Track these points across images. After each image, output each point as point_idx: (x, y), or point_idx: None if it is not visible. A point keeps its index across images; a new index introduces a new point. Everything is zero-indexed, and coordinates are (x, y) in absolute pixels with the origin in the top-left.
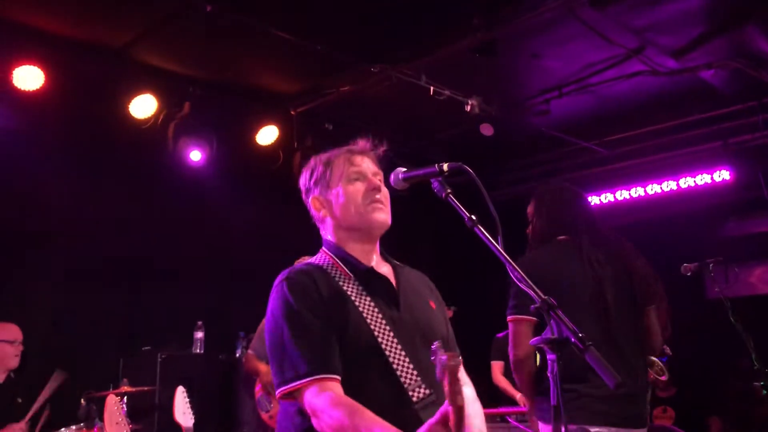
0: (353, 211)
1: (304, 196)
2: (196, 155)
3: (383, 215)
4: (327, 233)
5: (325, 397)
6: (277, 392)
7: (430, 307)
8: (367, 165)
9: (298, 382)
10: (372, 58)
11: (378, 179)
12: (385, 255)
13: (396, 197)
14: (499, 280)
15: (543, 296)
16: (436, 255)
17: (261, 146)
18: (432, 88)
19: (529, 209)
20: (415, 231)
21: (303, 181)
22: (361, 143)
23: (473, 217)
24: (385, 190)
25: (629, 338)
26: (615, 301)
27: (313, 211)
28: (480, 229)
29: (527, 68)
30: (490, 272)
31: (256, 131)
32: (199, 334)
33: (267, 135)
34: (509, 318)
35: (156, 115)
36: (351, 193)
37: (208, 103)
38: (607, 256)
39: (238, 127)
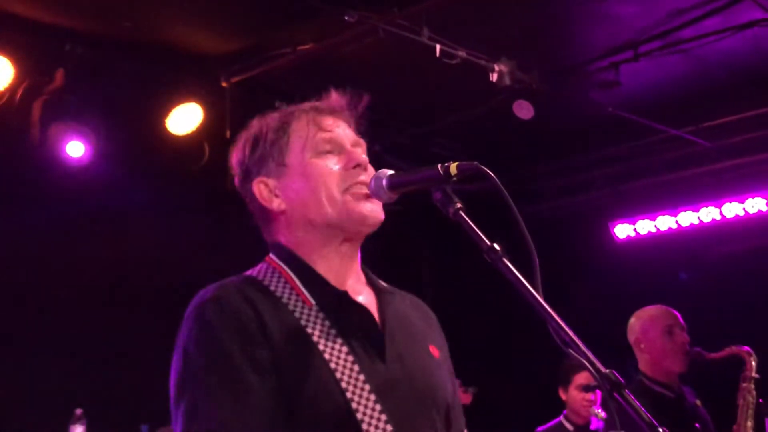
0: (325, 200)
1: (240, 181)
2: (76, 149)
3: (371, 206)
4: (278, 234)
5: None
6: None
7: (431, 355)
8: (343, 130)
9: None
10: (347, 0)
11: (361, 152)
12: (368, 273)
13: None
14: (534, 343)
15: (604, 370)
16: (438, 300)
17: (175, 136)
18: (438, 47)
19: None
20: (404, 263)
21: (239, 157)
22: (334, 97)
23: (496, 245)
24: (371, 169)
25: None
26: None
27: (257, 204)
28: (506, 265)
29: (586, 16)
30: (521, 330)
31: (167, 112)
32: (78, 431)
33: (185, 118)
34: None
35: (12, 89)
36: (321, 173)
37: (94, 70)
38: None
39: (141, 107)
